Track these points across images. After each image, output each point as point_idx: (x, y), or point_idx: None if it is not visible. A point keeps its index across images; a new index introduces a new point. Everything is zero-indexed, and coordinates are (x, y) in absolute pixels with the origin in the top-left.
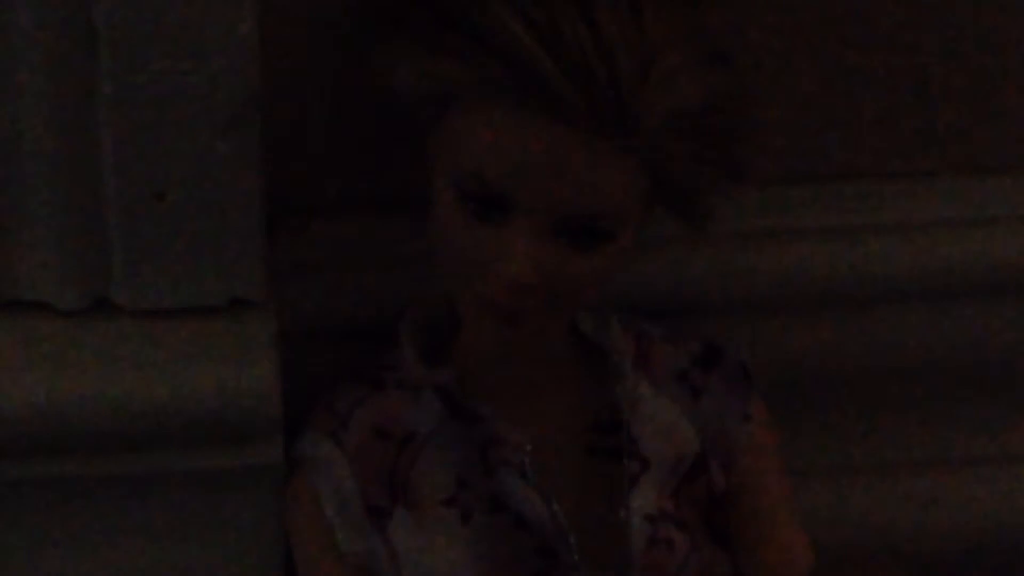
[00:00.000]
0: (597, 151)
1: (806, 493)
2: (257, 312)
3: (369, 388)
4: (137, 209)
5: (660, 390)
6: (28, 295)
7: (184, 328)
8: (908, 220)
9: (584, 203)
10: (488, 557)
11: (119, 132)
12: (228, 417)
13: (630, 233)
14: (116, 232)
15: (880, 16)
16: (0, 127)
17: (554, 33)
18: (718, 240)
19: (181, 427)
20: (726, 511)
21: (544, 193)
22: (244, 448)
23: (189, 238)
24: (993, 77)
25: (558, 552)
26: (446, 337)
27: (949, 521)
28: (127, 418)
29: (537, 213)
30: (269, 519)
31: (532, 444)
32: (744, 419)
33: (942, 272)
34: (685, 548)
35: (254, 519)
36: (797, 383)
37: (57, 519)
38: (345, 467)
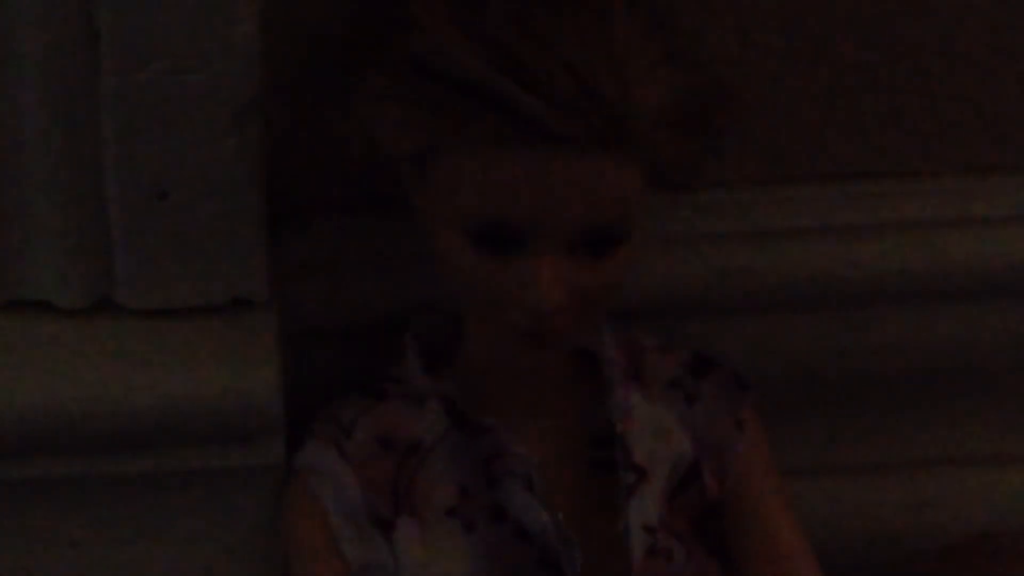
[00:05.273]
0: (601, 163)
1: (805, 493)
2: (259, 312)
3: (373, 399)
4: (139, 209)
5: (652, 398)
6: (30, 294)
7: (186, 328)
8: (908, 220)
9: (600, 215)
10: (491, 568)
11: (121, 131)
12: (229, 417)
13: (639, 227)
14: (118, 232)
15: (880, 16)
16: (1, 127)
17: (521, 66)
18: (717, 240)
19: (182, 427)
20: (719, 520)
21: (563, 217)
22: (245, 448)
23: (191, 238)
24: (993, 77)
25: (560, 564)
26: (448, 347)
27: (948, 521)
28: (128, 418)
29: (556, 236)
30: (270, 519)
31: (537, 456)
32: (737, 426)
33: (942, 272)
34: (682, 558)
35: (254, 519)
36: (797, 383)
37: (57, 519)
38: (351, 477)
